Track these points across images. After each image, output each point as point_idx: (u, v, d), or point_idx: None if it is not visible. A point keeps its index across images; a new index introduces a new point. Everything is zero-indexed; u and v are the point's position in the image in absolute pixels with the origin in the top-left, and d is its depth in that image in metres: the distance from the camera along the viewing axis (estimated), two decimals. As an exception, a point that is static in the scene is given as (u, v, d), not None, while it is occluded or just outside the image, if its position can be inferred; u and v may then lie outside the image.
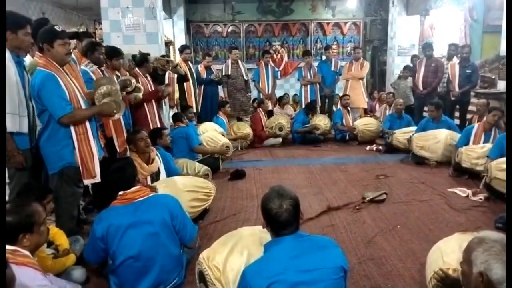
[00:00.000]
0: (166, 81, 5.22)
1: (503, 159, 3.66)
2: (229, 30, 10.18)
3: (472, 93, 6.37)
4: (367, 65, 7.45)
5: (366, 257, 2.69)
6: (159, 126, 4.32)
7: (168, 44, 7.55)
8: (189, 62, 6.62)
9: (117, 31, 5.03)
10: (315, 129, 6.75)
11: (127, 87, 3.62)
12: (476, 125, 4.70)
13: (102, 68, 3.55)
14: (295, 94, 9.07)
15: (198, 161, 4.44)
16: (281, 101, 8.15)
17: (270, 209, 1.61)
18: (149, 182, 3.24)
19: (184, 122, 4.72)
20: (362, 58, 7.60)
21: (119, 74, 3.89)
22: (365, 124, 6.66)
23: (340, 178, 4.67)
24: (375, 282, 2.38)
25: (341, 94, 7.57)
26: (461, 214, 3.41)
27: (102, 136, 3.20)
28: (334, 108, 7.74)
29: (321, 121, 6.88)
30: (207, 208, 3.45)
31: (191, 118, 5.78)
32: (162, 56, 5.14)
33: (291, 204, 1.61)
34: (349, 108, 6.99)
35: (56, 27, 2.60)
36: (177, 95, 6.23)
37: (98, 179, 2.76)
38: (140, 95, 4.00)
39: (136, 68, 4.34)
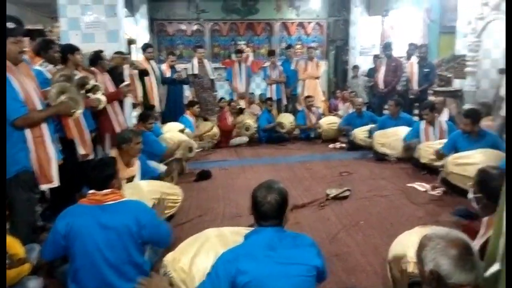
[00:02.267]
0: (127, 80, 5.06)
1: (459, 154, 3.86)
2: (194, 28, 10.07)
3: (430, 91, 6.64)
4: (322, 64, 7.64)
5: (330, 254, 2.73)
6: (124, 128, 4.19)
7: (130, 42, 7.36)
8: (152, 61, 6.49)
9: (76, 29, 4.85)
10: (280, 127, 6.82)
11: (85, 84, 3.45)
12: (422, 121, 4.92)
13: (58, 67, 3.39)
14: (262, 94, 9.11)
15: (163, 164, 4.35)
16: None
17: (255, 196, 1.69)
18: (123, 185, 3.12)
19: (147, 125, 4.56)
20: (315, 58, 7.78)
21: (78, 73, 3.73)
22: (329, 123, 6.80)
23: (305, 176, 4.74)
24: (339, 278, 2.43)
25: (299, 94, 7.71)
26: (420, 208, 3.55)
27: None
28: (299, 107, 7.85)
29: (286, 120, 6.95)
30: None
31: (156, 118, 5.68)
32: (117, 53, 4.90)
33: (275, 199, 1.66)
34: (312, 108, 7.11)
35: (8, 24, 2.47)
36: (140, 93, 6.09)
37: (55, 183, 2.65)
38: (103, 99, 3.81)
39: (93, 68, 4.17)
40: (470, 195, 2.07)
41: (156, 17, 9.75)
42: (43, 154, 2.58)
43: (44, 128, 2.59)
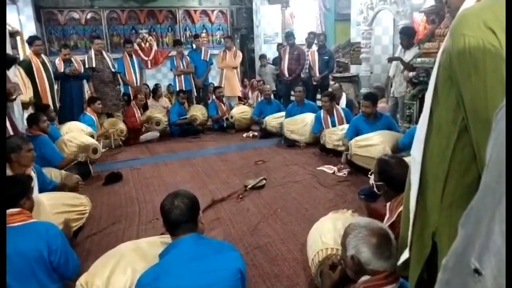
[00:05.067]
0: (12, 78, 4.46)
1: (360, 137, 4.20)
2: (88, 17, 9.25)
3: (331, 77, 7.08)
4: (240, 54, 7.66)
5: (252, 246, 2.78)
6: (11, 133, 3.70)
7: (13, 34, 6.47)
8: (42, 55, 5.83)
9: None
10: (193, 120, 6.70)
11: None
12: (321, 111, 5.27)
13: None
14: (170, 85, 8.81)
15: (65, 169, 3.95)
16: (155, 94, 7.81)
17: (163, 206, 1.68)
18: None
19: (41, 126, 4.09)
20: (234, 47, 7.76)
21: None
22: (240, 113, 6.86)
23: (222, 168, 4.74)
24: (263, 270, 2.48)
25: (216, 83, 7.64)
26: (330, 190, 3.79)
27: None
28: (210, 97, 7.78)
29: (198, 112, 6.86)
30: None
31: (52, 118, 5.14)
32: None
33: (184, 202, 1.65)
34: (223, 99, 7.09)
35: None
36: (30, 92, 5.44)
37: None
38: None
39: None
40: (371, 182, 2.24)
41: (42, 5, 8.72)
42: None
43: None
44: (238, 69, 7.91)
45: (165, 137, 6.58)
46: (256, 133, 6.44)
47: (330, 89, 6.75)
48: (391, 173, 2.06)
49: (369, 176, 2.26)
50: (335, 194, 3.71)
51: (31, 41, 5.69)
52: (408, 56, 4.79)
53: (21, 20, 7.71)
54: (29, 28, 7.82)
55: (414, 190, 1.20)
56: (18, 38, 6.76)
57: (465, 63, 0.94)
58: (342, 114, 5.15)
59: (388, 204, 2.06)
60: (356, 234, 1.44)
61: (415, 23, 5.79)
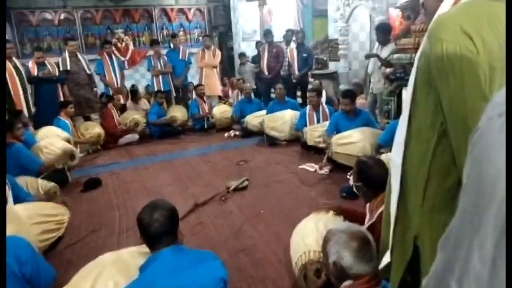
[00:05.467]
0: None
1: (341, 134, 4.22)
2: (62, 17, 9.03)
3: (310, 74, 7.10)
4: (219, 53, 7.62)
5: (236, 249, 2.76)
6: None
7: (-19, 37, 6.24)
8: (14, 58, 5.64)
9: None
10: (173, 121, 6.62)
11: None
12: (307, 107, 5.28)
13: None
14: (148, 85, 8.67)
15: (41, 177, 3.83)
16: (134, 96, 7.62)
17: (141, 219, 1.61)
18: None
19: (16, 133, 3.96)
20: (213, 46, 7.70)
21: None
22: (221, 112, 6.81)
23: (204, 169, 4.70)
24: (248, 273, 2.47)
25: (195, 82, 7.56)
26: (312, 189, 3.81)
27: None
28: (190, 97, 7.71)
29: (178, 112, 6.78)
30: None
31: (26, 124, 4.97)
32: None
33: (163, 215, 1.60)
34: (204, 97, 7.03)
35: None
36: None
37: None
38: None
39: None
40: (351, 182, 2.25)
41: (12, 6, 8.44)
42: None
43: None
44: (218, 67, 7.85)
45: (145, 139, 6.47)
46: (237, 132, 6.41)
47: (310, 86, 6.79)
48: (370, 173, 2.07)
49: (348, 177, 2.27)
50: (317, 192, 3.72)
51: (0, 44, 5.48)
52: (385, 52, 4.84)
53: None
54: (-1, 30, 7.54)
55: (395, 193, 1.20)
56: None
57: (443, 69, 0.95)
58: (327, 111, 5.18)
59: (368, 205, 2.07)
60: (337, 240, 1.44)
61: (391, 19, 5.87)
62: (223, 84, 8.97)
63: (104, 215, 3.53)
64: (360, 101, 5.42)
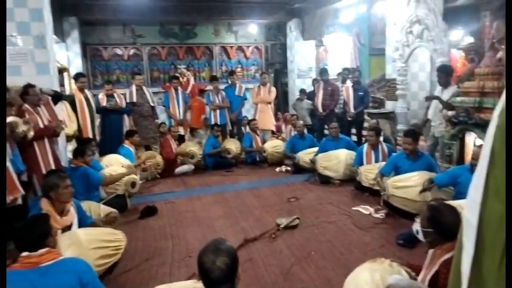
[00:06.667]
0: (61, 116, 4.73)
1: (398, 177, 4.07)
2: (131, 53, 9.77)
3: (366, 113, 7.00)
4: (274, 90, 7.80)
5: (285, 291, 2.71)
6: (53, 167, 3.88)
7: (62, 71, 6.93)
8: (86, 90, 6.19)
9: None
10: (227, 152, 6.78)
11: (14, 130, 3.19)
12: (365, 145, 5.17)
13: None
14: (206, 118, 9.01)
15: (103, 203, 4.06)
16: (193, 130, 7.95)
17: (203, 263, 1.57)
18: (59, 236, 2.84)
19: (86, 159, 4.27)
20: (268, 83, 7.91)
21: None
22: (273, 146, 6.88)
23: (254, 204, 4.72)
24: (297, 318, 2.40)
25: (250, 117, 7.75)
26: (366, 234, 3.66)
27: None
28: (244, 131, 7.88)
29: (232, 145, 6.94)
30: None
31: (93, 152, 5.34)
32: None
33: (225, 263, 1.55)
34: (257, 131, 7.16)
35: None
36: (74, 126, 5.74)
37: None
38: (31, 132, 3.57)
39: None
40: (417, 227, 2.14)
41: (89, 42, 9.32)
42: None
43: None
44: (272, 103, 8.01)
45: (200, 170, 6.67)
46: (289, 168, 6.41)
47: (366, 124, 6.68)
48: (443, 221, 1.96)
49: (415, 220, 2.16)
50: (371, 237, 3.58)
51: (76, 77, 6.10)
52: (446, 94, 4.67)
53: (69, 56, 8.24)
54: (76, 63, 8.34)
55: (469, 255, 1.13)
56: (65, 74, 7.23)
57: None
58: (386, 150, 5.06)
59: (430, 251, 1.96)
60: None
61: (453, 60, 5.69)
62: (277, 119, 9.08)
63: (158, 243, 3.64)
64: (420, 143, 5.22)
